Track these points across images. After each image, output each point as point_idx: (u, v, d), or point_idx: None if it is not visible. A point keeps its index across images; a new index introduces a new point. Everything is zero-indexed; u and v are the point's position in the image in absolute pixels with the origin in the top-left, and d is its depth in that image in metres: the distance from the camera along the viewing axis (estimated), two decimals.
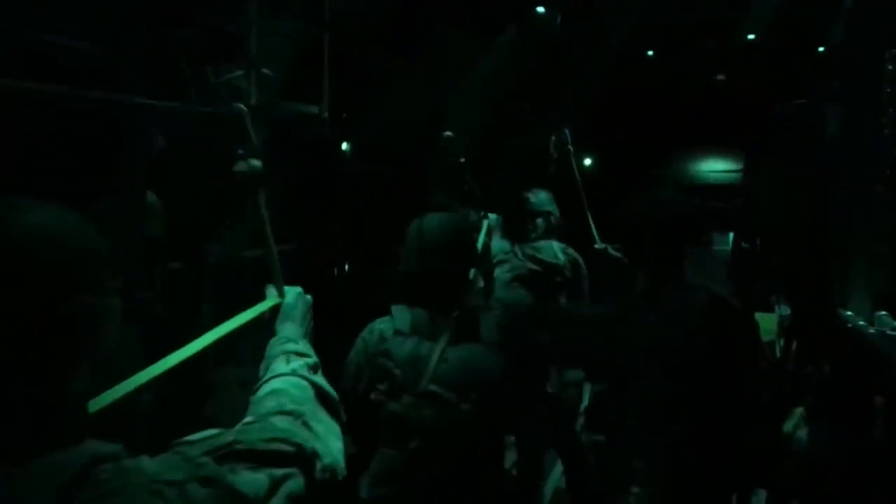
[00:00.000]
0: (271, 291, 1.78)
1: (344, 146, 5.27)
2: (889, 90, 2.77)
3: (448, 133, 3.86)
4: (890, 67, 2.79)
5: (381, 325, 2.66)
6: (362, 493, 2.55)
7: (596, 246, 4.11)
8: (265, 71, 3.64)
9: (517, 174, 5.93)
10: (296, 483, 1.24)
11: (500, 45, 7.32)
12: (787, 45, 8.31)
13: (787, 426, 3.07)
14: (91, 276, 1.07)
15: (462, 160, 3.83)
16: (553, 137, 5.40)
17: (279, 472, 1.22)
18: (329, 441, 1.39)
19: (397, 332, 2.60)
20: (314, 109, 4.04)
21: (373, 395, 2.55)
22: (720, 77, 11.16)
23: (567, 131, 4.96)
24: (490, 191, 3.88)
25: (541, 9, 7.35)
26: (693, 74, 11.05)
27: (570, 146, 4.88)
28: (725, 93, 11.03)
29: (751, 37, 8.84)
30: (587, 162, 9.83)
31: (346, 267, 5.34)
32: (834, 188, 3.14)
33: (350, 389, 2.56)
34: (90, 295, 1.06)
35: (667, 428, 2.75)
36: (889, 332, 2.54)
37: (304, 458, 1.28)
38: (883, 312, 2.63)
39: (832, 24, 3.77)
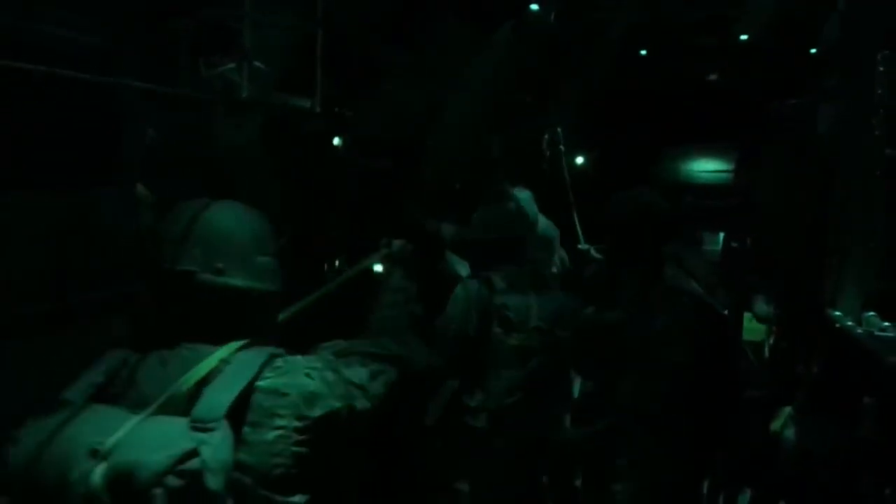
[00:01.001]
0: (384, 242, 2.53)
1: (336, 141, 5.26)
2: (881, 91, 2.78)
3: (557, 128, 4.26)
4: (882, 69, 2.80)
5: (472, 285, 3.56)
6: (489, 405, 3.43)
7: (579, 246, 4.13)
8: (257, 64, 3.63)
9: (511, 171, 5.93)
10: (389, 375, 1.93)
11: (497, 41, 7.31)
12: (781, 45, 8.32)
13: (776, 425, 3.08)
14: (267, 245, 1.89)
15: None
16: (546, 136, 5.39)
17: (376, 366, 1.90)
18: (418, 352, 2.11)
19: (498, 290, 3.49)
20: (307, 103, 4.03)
21: (494, 332, 3.45)
22: (714, 76, 11.16)
23: (559, 130, 4.96)
24: (484, 186, 3.87)
25: (535, 6, 7.34)
26: (687, 73, 11.04)
27: (561, 146, 4.89)
28: (719, 92, 11.03)
29: (744, 37, 8.85)
30: (580, 160, 9.81)
31: (338, 262, 5.32)
32: (827, 188, 3.15)
33: (457, 333, 3.46)
34: (269, 258, 1.91)
35: (649, 428, 2.76)
36: (877, 332, 2.55)
37: (394, 359, 1.97)
38: (871, 313, 2.64)
39: (825, 25, 3.78)
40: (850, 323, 2.68)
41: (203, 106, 3.68)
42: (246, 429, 1.60)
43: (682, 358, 2.77)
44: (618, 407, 2.98)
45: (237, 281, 1.77)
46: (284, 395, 1.66)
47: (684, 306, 2.86)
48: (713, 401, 2.79)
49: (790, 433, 3.03)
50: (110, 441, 1.49)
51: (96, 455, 1.48)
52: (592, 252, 4.04)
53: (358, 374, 1.83)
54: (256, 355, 1.70)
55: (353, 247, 5.47)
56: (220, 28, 3.56)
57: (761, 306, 4.54)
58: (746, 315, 4.50)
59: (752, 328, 4.59)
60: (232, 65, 3.61)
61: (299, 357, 1.79)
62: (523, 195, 4.81)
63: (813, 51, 5.99)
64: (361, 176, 5.56)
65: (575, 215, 4.61)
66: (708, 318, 2.87)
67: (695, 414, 2.77)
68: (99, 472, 1.47)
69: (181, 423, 1.52)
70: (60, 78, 2.31)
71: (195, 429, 1.50)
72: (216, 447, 1.48)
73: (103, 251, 2.48)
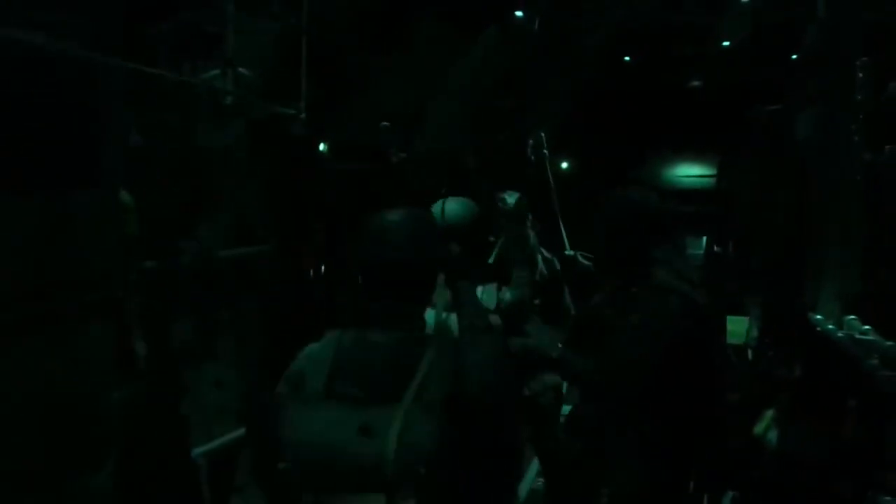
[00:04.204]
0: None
1: (322, 146, 5.26)
2: (860, 97, 2.81)
3: (385, 123, 3.84)
4: (861, 75, 2.83)
5: None
6: None
7: (566, 252, 4.11)
8: (242, 70, 3.62)
9: (494, 176, 5.93)
10: None
11: (481, 47, 7.33)
12: (762, 52, 8.39)
13: (758, 428, 3.10)
14: None
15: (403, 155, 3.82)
16: (530, 140, 5.39)
17: None
18: None
19: None
20: (292, 109, 4.02)
21: None
22: (696, 83, 11.25)
23: (542, 135, 4.95)
24: (468, 192, 3.87)
25: (519, 13, 7.38)
26: (669, 80, 11.12)
27: (545, 150, 4.88)
28: (701, 98, 11.12)
29: (726, 43, 8.92)
30: (564, 165, 9.85)
31: (323, 267, 5.32)
32: (807, 192, 3.18)
33: None
34: None
35: (640, 430, 2.77)
36: (857, 335, 2.58)
37: None
38: (852, 317, 2.67)
39: (805, 32, 3.82)
40: (830, 326, 2.70)
41: (186, 110, 3.67)
42: None
43: (655, 352, 2.75)
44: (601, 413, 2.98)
45: None
46: None
47: (667, 302, 2.84)
48: (694, 401, 2.79)
49: (772, 435, 3.05)
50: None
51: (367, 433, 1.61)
52: (579, 257, 4.04)
53: None
54: None
55: (336, 250, 5.47)
56: (201, 32, 3.55)
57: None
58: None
59: (733, 331, 4.61)
60: (216, 71, 3.60)
61: None
62: (512, 199, 4.81)
63: (793, 57, 6.06)
64: (341, 180, 5.56)
65: (560, 221, 4.60)
66: (691, 317, 2.85)
67: (667, 417, 2.77)
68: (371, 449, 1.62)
69: None
70: (39, 80, 2.29)
71: None
72: None
73: (84, 255, 2.46)
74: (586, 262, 3.92)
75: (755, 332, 4.25)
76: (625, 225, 2.92)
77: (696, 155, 12.33)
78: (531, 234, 4.42)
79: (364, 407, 1.70)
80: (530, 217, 4.74)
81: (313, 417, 1.72)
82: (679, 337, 2.74)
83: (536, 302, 4.54)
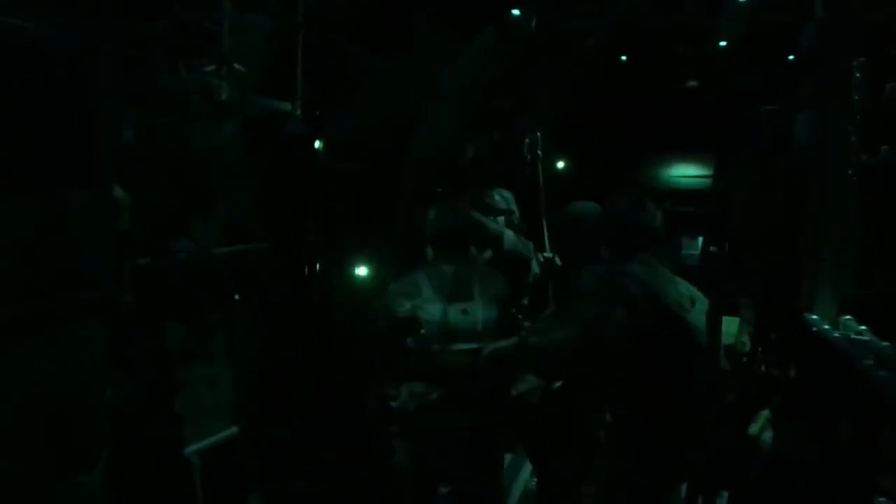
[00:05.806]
0: None
1: (317, 144, 5.25)
2: (857, 97, 2.81)
3: (536, 134, 4.43)
4: (858, 75, 2.83)
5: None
6: None
7: (545, 254, 4.16)
8: (237, 67, 3.61)
9: (490, 175, 5.93)
10: None
11: (477, 45, 7.31)
12: (759, 53, 8.39)
13: (753, 429, 3.10)
14: None
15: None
16: (527, 140, 5.40)
17: None
18: None
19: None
20: (287, 106, 4.02)
21: None
22: (692, 83, 11.25)
23: (538, 135, 4.96)
24: (464, 189, 3.88)
25: (516, 11, 7.36)
26: (666, 80, 11.11)
27: (539, 150, 4.89)
28: (698, 99, 11.11)
29: (723, 44, 8.92)
30: (560, 165, 9.84)
31: (319, 265, 5.31)
32: (804, 193, 3.18)
33: None
34: None
35: (613, 417, 2.80)
36: (853, 336, 2.57)
37: None
38: (848, 317, 2.66)
39: (802, 32, 3.82)
40: (826, 327, 2.70)
41: (181, 108, 3.66)
42: None
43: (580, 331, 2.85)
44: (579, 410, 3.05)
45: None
46: None
47: (594, 284, 2.94)
48: (654, 389, 2.82)
49: (767, 436, 3.05)
50: None
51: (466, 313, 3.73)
52: (557, 261, 4.06)
53: None
54: None
55: (331, 250, 5.47)
56: (198, 29, 3.54)
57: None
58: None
59: (726, 331, 4.60)
60: (212, 67, 3.59)
61: None
62: (500, 196, 4.83)
63: (791, 58, 6.05)
64: (337, 179, 5.55)
65: (544, 222, 4.60)
66: (625, 299, 2.91)
67: (631, 398, 2.80)
68: None
69: None
70: (33, 77, 2.28)
71: None
72: None
73: (80, 255, 2.45)
74: (562, 265, 3.96)
75: (745, 335, 4.26)
76: (570, 234, 3.04)
77: (693, 155, 12.33)
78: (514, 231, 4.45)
79: (453, 303, 3.77)
80: (516, 213, 4.76)
81: (432, 308, 3.75)
82: (598, 317, 2.78)
83: (525, 301, 4.56)
